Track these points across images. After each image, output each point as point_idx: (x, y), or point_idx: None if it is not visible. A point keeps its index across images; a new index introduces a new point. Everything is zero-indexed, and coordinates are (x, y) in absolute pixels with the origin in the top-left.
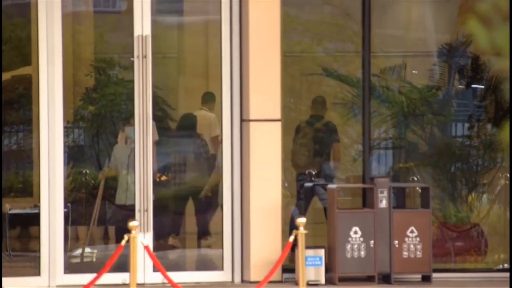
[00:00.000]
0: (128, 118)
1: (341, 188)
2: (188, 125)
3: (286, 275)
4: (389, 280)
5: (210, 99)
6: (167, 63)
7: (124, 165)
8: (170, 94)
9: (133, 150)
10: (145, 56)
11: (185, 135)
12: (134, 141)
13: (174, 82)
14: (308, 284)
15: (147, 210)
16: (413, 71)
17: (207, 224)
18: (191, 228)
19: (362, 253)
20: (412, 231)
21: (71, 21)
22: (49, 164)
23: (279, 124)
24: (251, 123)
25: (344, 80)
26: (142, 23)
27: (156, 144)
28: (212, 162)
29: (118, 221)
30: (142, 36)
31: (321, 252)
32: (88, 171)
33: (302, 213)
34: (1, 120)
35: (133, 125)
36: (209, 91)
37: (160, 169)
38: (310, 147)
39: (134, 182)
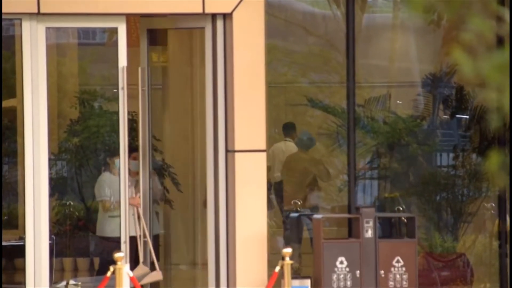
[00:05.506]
0: (114, 150)
1: (327, 218)
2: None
3: None
4: None
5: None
6: (152, 95)
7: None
8: (155, 126)
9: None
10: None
11: None
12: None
13: (159, 113)
14: None
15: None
16: (398, 101)
17: (193, 255)
18: (177, 259)
19: (348, 283)
20: (398, 261)
21: (55, 53)
22: (34, 196)
23: (264, 154)
24: (236, 154)
25: (329, 110)
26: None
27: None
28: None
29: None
30: (126, 67)
31: (307, 283)
32: (72, 203)
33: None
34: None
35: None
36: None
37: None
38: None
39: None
